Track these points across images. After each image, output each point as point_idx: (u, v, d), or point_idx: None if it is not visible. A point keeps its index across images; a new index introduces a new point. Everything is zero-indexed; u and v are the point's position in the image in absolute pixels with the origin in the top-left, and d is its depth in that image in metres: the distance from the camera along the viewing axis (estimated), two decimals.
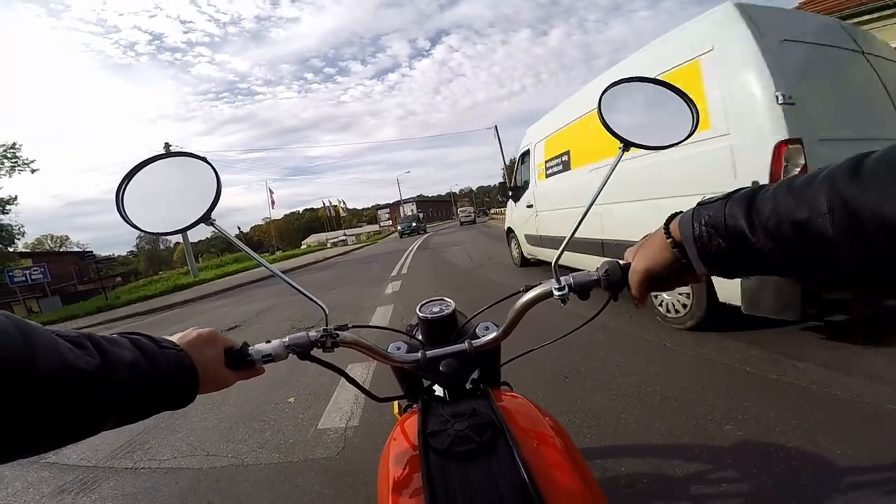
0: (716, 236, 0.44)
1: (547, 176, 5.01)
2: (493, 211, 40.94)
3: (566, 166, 4.51)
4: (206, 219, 0.61)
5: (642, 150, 0.67)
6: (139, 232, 0.63)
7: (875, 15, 7.26)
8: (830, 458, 1.54)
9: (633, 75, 0.71)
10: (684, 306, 2.94)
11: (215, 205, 0.62)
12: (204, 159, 0.65)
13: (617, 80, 0.69)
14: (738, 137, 2.40)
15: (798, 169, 2.16)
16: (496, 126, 33.22)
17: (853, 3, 7.46)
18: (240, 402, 2.99)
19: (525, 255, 6.37)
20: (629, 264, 0.56)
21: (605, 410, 2.13)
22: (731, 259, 0.44)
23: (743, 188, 0.45)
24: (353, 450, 2.14)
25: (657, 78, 0.69)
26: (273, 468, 2.10)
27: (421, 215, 37.17)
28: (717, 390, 2.12)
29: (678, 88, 0.68)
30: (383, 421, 2.31)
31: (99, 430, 0.42)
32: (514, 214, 6.49)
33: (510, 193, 6.51)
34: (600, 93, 0.65)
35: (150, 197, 0.63)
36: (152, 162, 0.64)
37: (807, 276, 0.40)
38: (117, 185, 0.61)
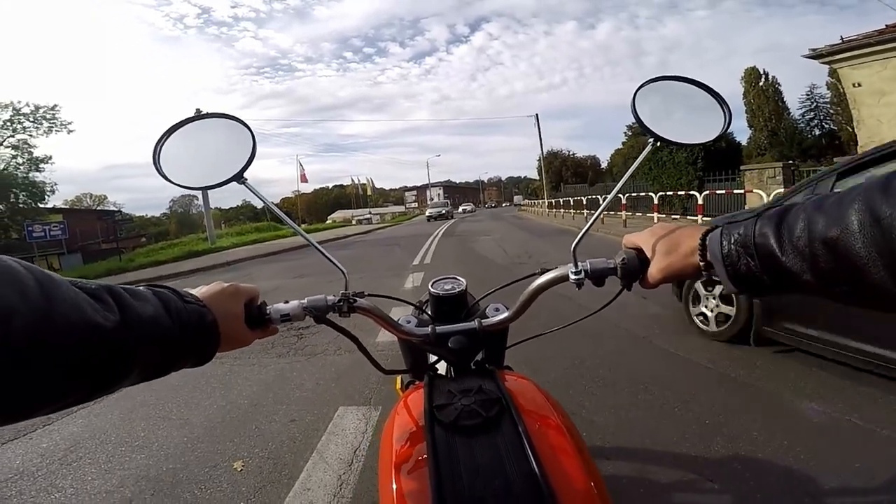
0: (745, 255, 0.41)
1: None
2: (524, 202, 41.03)
3: None
4: (238, 178, 0.61)
5: None
6: (173, 186, 0.62)
7: None
8: None
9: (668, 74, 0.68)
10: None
11: (249, 165, 0.62)
12: (241, 121, 0.65)
13: (651, 77, 0.66)
14: None
15: None
16: (537, 115, 30.78)
17: None
18: (167, 451, 1.96)
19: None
20: (647, 259, 0.53)
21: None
22: (760, 278, 0.41)
23: (774, 205, 0.44)
24: None
25: (690, 77, 0.65)
26: None
27: (449, 202, 41.51)
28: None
29: (711, 88, 0.64)
30: None
31: (115, 388, 0.39)
32: None
33: None
34: (634, 89, 0.63)
35: (186, 155, 0.64)
36: (190, 122, 0.65)
37: (837, 296, 0.37)
38: (156, 141, 0.62)
